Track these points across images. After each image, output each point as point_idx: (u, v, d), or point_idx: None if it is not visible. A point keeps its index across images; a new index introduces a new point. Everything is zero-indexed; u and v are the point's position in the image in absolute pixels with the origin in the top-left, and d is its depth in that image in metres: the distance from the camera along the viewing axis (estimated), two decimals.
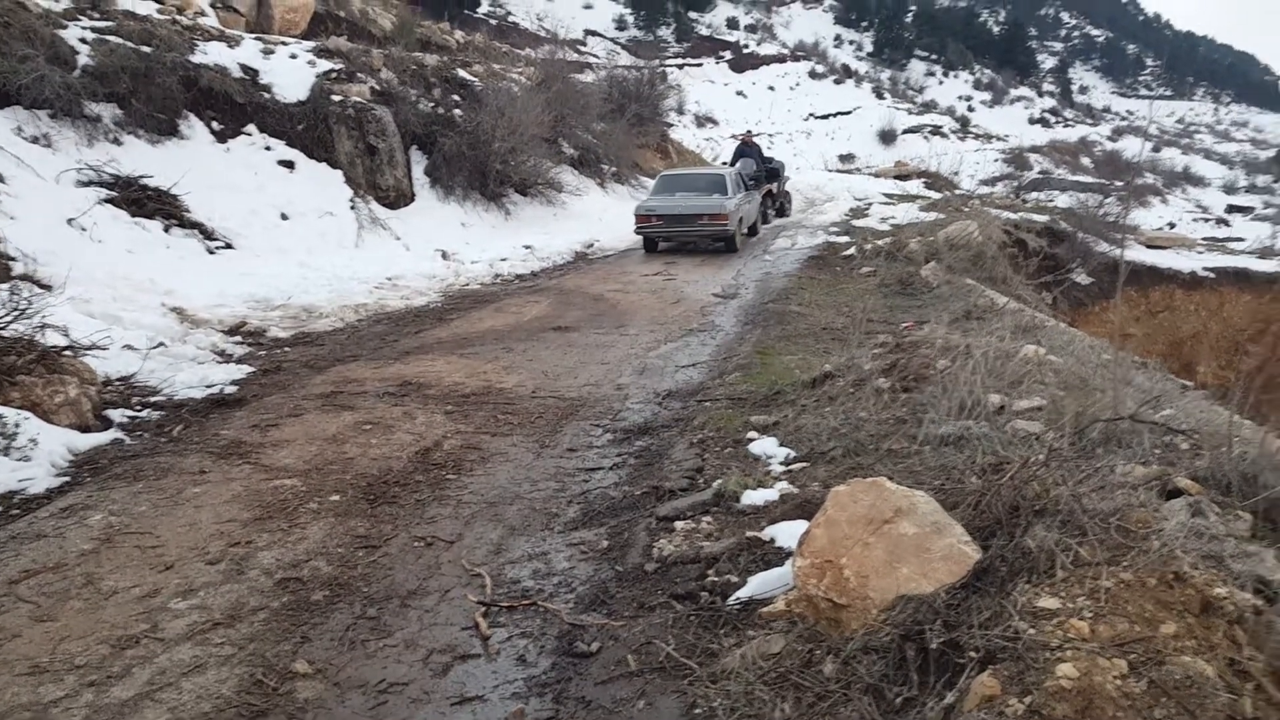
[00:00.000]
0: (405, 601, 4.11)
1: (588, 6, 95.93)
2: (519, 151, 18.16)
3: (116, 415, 6.59)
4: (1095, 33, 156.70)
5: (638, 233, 17.10)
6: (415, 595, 4.17)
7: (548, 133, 20.34)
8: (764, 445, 5.70)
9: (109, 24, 13.83)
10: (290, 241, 12.77)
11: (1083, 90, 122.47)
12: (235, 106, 14.30)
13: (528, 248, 15.70)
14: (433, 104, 17.85)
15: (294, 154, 14.42)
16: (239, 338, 9.18)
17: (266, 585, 4.28)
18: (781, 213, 23.88)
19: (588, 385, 7.62)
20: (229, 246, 12.00)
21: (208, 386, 7.47)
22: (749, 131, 25.84)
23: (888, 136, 78.93)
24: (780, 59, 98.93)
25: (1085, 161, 71.21)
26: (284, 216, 13.24)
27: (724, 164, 23.58)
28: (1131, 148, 76.76)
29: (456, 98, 18.62)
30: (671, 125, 38.19)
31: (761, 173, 22.38)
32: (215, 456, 5.91)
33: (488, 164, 17.46)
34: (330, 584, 4.28)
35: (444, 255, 14.25)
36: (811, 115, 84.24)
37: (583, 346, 9.16)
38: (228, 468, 5.72)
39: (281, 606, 4.10)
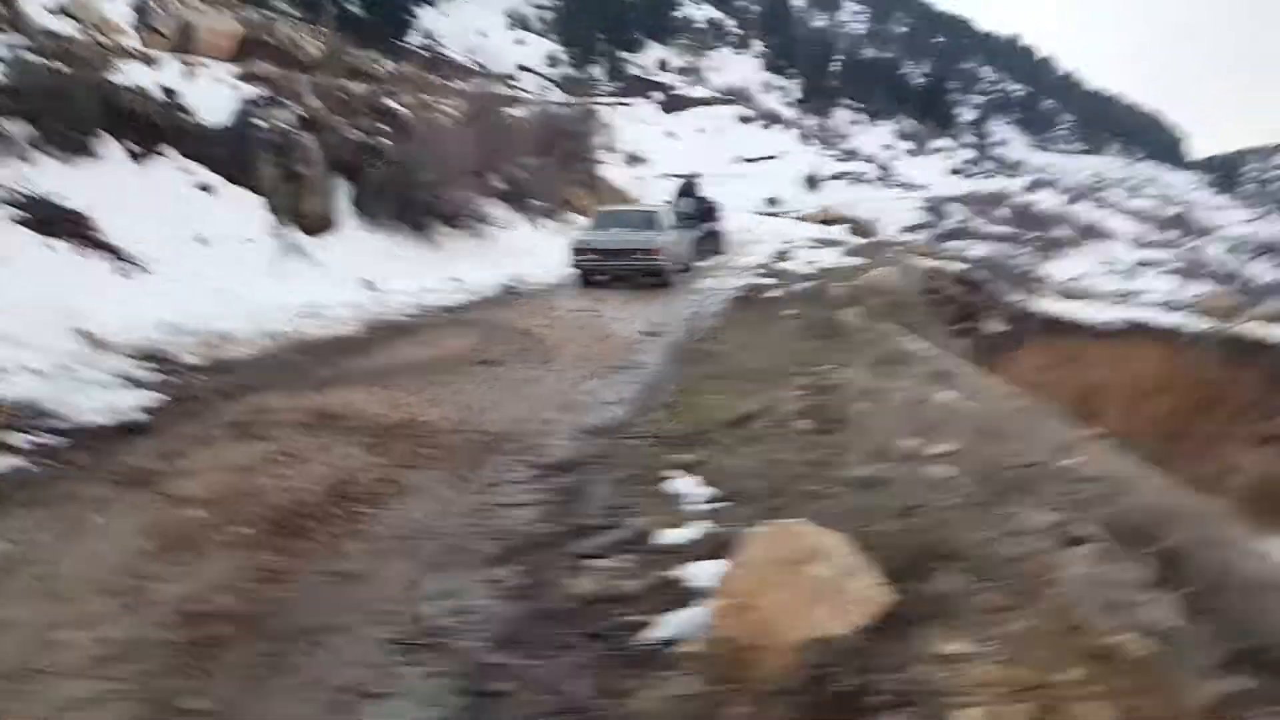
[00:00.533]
0: (312, 638, 4.02)
1: (520, 42, 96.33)
2: (447, 183, 18.07)
3: (17, 441, 6.36)
4: (1014, 88, 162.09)
5: (573, 266, 17.45)
6: (323, 632, 4.08)
7: (477, 166, 20.28)
8: (686, 484, 5.70)
9: (26, 42, 13.50)
10: (207, 266, 12.50)
11: (1001, 143, 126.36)
12: (154, 128, 14.01)
13: (454, 280, 15.58)
14: (360, 133, 17.72)
15: (214, 178, 14.17)
16: (150, 363, 8.94)
17: (168, 619, 4.16)
18: (717, 251, 24.38)
19: (512, 420, 7.56)
20: (143, 270, 11.71)
21: (115, 413, 7.26)
22: (693, 173, 26.43)
23: (813, 181, 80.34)
24: (710, 102, 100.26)
25: (1001, 212, 73.17)
26: (201, 241, 12.98)
27: (665, 201, 24.30)
28: (1046, 200, 79.16)
29: (385, 127, 18.49)
30: (602, 163, 38.38)
31: (699, 212, 23.02)
32: (120, 485, 5.74)
33: (415, 195, 17.34)
34: (235, 619, 4.17)
35: (368, 285, 14.08)
36: (740, 158, 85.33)
37: (508, 381, 9.09)
38: (133, 497, 5.55)
39: (183, 641, 3.98)
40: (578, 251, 17.35)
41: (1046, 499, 4.25)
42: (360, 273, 14.52)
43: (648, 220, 18.52)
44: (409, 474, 6.11)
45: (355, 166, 16.89)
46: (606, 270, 17.51)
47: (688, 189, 24.11)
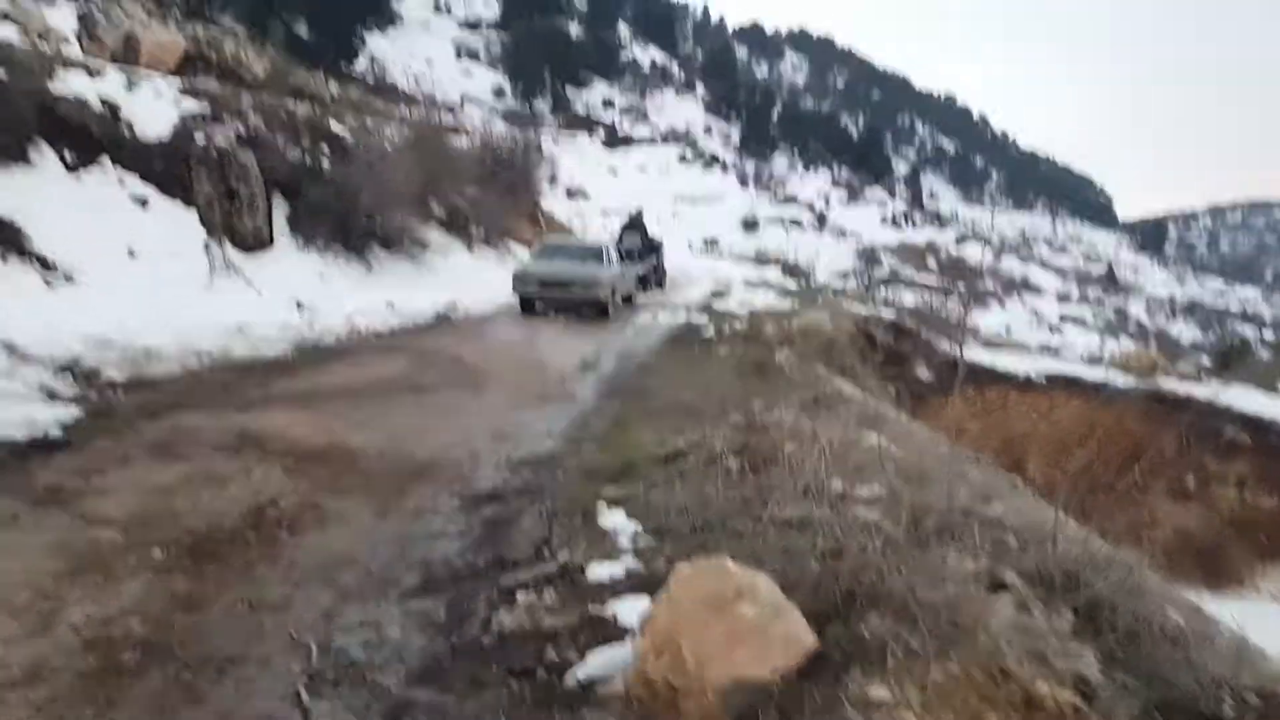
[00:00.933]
0: (223, 667, 3.87)
1: (467, 73, 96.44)
2: (386, 207, 17.97)
3: None
4: (946, 143, 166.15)
5: (515, 294, 17.80)
6: (234, 662, 3.92)
7: (417, 191, 20.17)
8: (614, 519, 5.65)
9: None
10: (136, 280, 12.21)
11: (932, 195, 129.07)
12: (92, 139, 13.70)
13: (388, 304, 15.43)
14: (301, 153, 17.52)
15: (149, 191, 13.88)
16: (71, 377, 8.67)
17: (74, 644, 3.97)
18: (659, 285, 24.79)
19: (439, 448, 7.45)
20: (70, 281, 11.40)
21: (32, 427, 7.00)
22: (638, 210, 26.85)
23: (750, 224, 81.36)
24: (652, 141, 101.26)
25: (931, 263, 74.66)
26: (132, 254, 12.69)
27: (613, 235, 24.78)
28: (974, 253, 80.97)
29: (326, 149, 18.33)
30: (544, 195, 38.41)
31: (643, 248, 23.42)
32: (32, 502, 5.51)
33: (353, 217, 17.20)
34: (143, 645, 4.00)
35: (299, 305, 13.87)
36: (679, 198, 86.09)
37: (438, 408, 8.99)
38: (44, 515, 5.33)
39: (88, 667, 3.80)
40: (520, 280, 17.65)
41: (970, 545, 4.26)
42: (293, 293, 14.31)
43: (592, 254, 18.98)
44: (331, 500, 5.97)
45: (294, 186, 16.70)
46: (548, 300, 17.84)
47: (632, 224, 24.53)
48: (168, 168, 14.38)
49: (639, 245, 23.01)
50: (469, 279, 19.91)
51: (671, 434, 8.05)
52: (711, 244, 63.99)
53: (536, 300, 17.99)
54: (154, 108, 15.10)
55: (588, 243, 21.83)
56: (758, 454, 6.16)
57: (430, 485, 6.48)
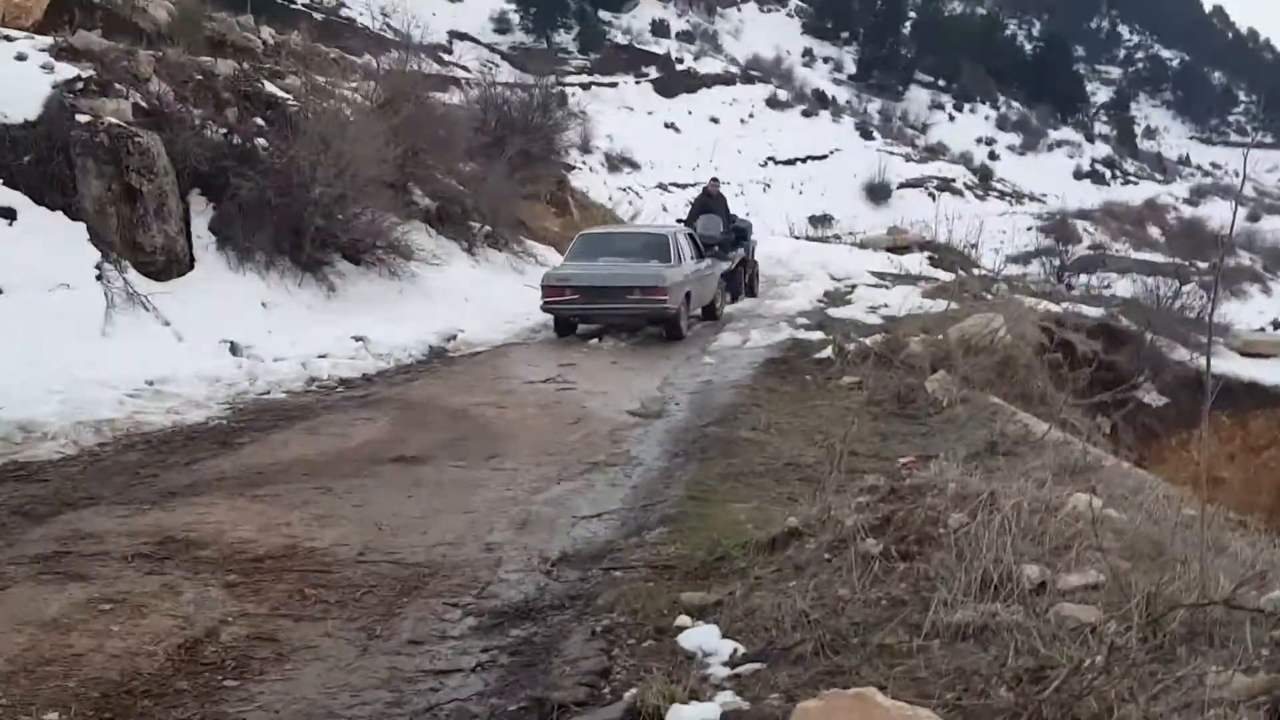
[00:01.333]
0: None
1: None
2: (350, 201, 18.19)
3: None
4: (1166, 54, 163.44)
5: (547, 309, 18.02)
6: None
7: (393, 175, 20.38)
8: (700, 637, 5.62)
9: None
10: (4, 325, 12.48)
11: (1149, 134, 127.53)
12: None
13: (359, 340, 15.59)
14: (226, 130, 17.81)
15: (15, 197, 14.17)
16: None
17: None
18: (751, 291, 24.52)
19: (442, 545, 7.51)
20: None
21: None
22: (714, 180, 26.48)
23: (878, 192, 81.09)
24: (727, 80, 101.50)
25: (1154, 232, 73.70)
26: None
27: (678, 221, 24.63)
28: (1219, 214, 79.60)
29: (261, 122, 18.62)
30: (574, 168, 38.64)
31: (729, 235, 23.15)
32: None
33: (304, 218, 17.45)
34: None
35: (234, 349, 14.08)
36: (771, 160, 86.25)
37: (436, 487, 9.05)
38: None
39: None
40: (552, 291, 17.77)
41: (1238, 654, 4.18)
42: (223, 331, 14.52)
43: (653, 246, 18.95)
44: (293, 628, 6.03)
45: (218, 179, 16.95)
46: (593, 316, 18.13)
47: (707, 201, 24.24)
48: (38, 162, 14.65)
49: (719, 232, 22.79)
50: (473, 296, 20.06)
51: (778, 507, 8.01)
52: (823, 223, 63.85)
53: (575, 317, 18.26)
54: (16, 78, 15.42)
55: (646, 231, 22.07)
56: (909, 532, 6.11)
57: (432, 599, 6.52)
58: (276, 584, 6.67)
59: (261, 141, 18.00)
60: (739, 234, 24.11)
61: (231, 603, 6.35)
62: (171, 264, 15.71)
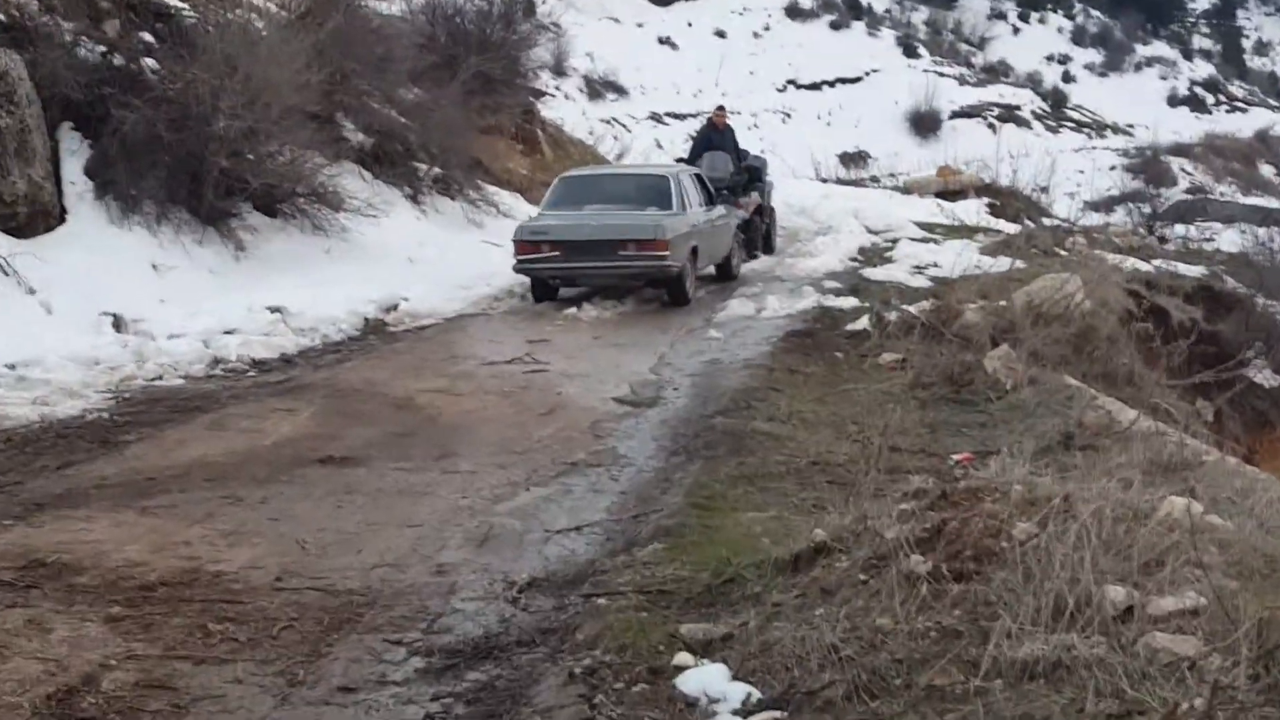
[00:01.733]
0: None
1: None
2: (263, 137, 18.16)
3: None
4: None
5: (521, 270, 18.21)
6: None
7: (318, 104, 20.30)
8: (704, 679, 5.62)
9: None
10: None
11: (1262, 49, 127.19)
12: None
13: (276, 311, 15.53)
14: (105, 48, 17.72)
15: None
16: None
17: None
18: (768, 246, 24.44)
19: (381, 567, 7.50)
20: None
21: None
22: (720, 109, 26.38)
23: (925, 123, 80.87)
24: None
25: (1267, 172, 73.68)
26: None
27: (679, 160, 24.64)
28: None
29: (150, 37, 18.51)
30: (544, 95, 38.49)
31: (740, 176, 23.08)
32: None
33: (205, 158, 17.41)
34: None
35: (118, 324, 14.02)
36: (792, 84, 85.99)
37: (374, 495, 9.04)
38: None
39: None
40: (527, 247, 17.90)
41: None
42: (106, 301, 14.46)
43: (651, 190, 19.10)
44: (193, 672, 6.01)
45: (97, 110, 16.87)
46: (578, 277, 18.35)
47: (713, 137, 24.12)
48: None
49: (728, 172, 22.64)
50: (419, 256, 20.03)
51: (801, 516, 8.00)
52: (857, 162, 63.70)
53: (556, 279, 18.42)
54: None
55: (641, 171, 22.15)
56: (964, 546, 6.09)
57: (369, 635, 6.50)
58: (172, 618, 6.63)
59: (150, 62, 17.90)
60: (752, 174, 23.97)
61: (115, 642, 6.31)
62: (37, 217, 15.61)
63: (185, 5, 19.66)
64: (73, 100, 16.69)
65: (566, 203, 19.05)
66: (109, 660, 6.08)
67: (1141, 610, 5.33)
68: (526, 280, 18.80)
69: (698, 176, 20.48)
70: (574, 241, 17.73)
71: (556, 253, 17.77)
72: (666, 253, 17.48)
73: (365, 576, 7.33)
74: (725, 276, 20.87)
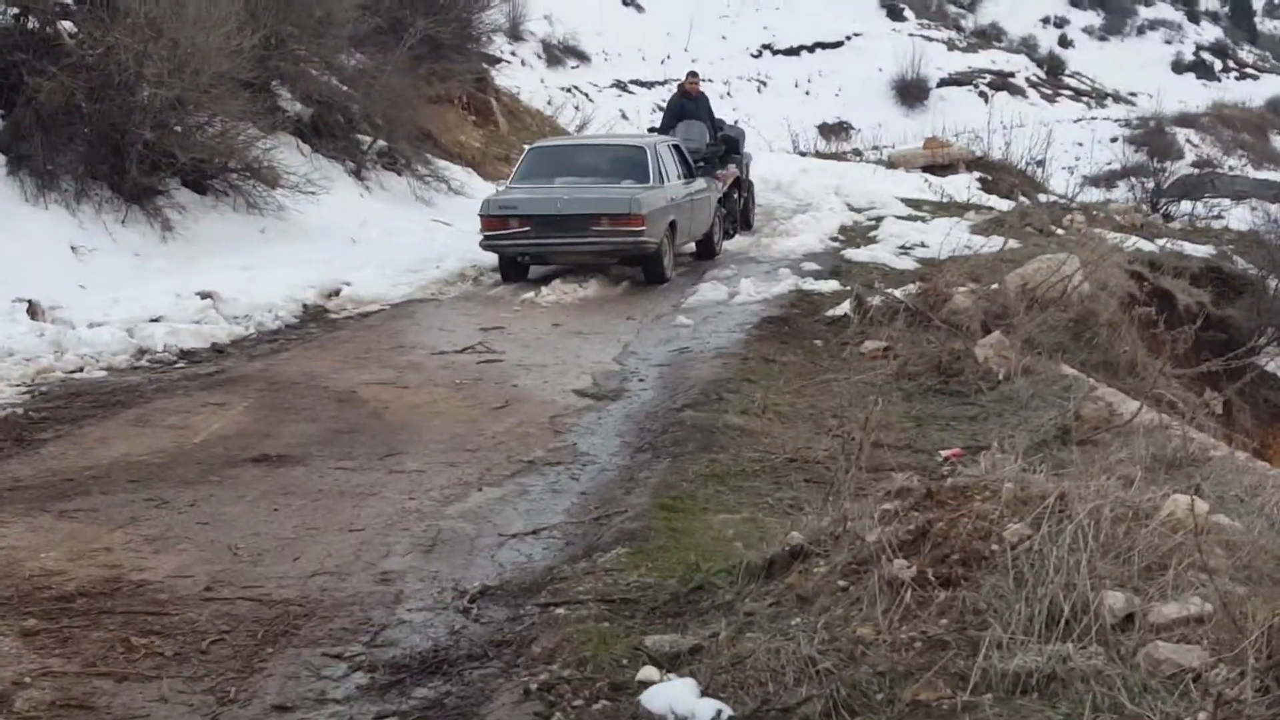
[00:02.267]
0: None
1: None
2: (191, 107, 18.13)
3: None
4: None
5: (488, 246, 18.36)
6: None
7: (251, 71, 20.22)
8: (671, 695, 5.62)
9: None
10: None
11: (1273, 10, 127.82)
12: None
13: (206, 297, 15.48)
14: (17, 11, 17.65)
15: None
16: None
17: None
18: (746, 222, 24.59)
19: (321, 575, 7.49)
20: None
21: None
22: (692, 75, 26.45)
23: (912, 91, 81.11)
24: None
25: None
26: None
27: (651, 130, 24.86)
28: None
29: None
30: (499, 62, 38.45)
31: (717, 147, 23.21)
32: None
33: (128, 130, 17.37)
34: None
35: (33, 311, 13.97)
36: (767, 49, 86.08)
37: (313, 496, 9.03)
38: None
39: None
40: (494, 222, 18.04)
41: None
42: (19, 286, 14.42)
43: (626, 162, 19.39)
44: (114, 690, 6.00)
45: (8, 78, 16.85)
46: (549, 254, 18.62)
47: (687, 106, 24.19)
48: None
49: (704, 143, 22.74)
50: (363, 236, 20.05)
51: (776, 518, 8.01)
52: (838, 133, 63.81)
53: (526, 256, 18.63)
54: None
55: (616, 142, 22.42)
56: (951, 549, 6.10)
57: (307, 649, 6.49)
58: (92, 631, 6.62)
59: (67, 25, 17.85)
60: (730, 145, 24.06)
61: (30, 657, 6.30)
62: None
63: None
64: None
65: (537, 175, 19.20)
66: (23, 677, 6.06)
67: (1142, 618, 5.35)
68: (479, 262, 19.02)
69: (676, 148, 20.63)
70: (545, 216, 17.88)
71: (526, 228, 17.92)
72: (643, 228, 17.66)
73: (303, 585, 7.32)
74: (706, 255, 21.15)
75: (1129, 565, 5.75)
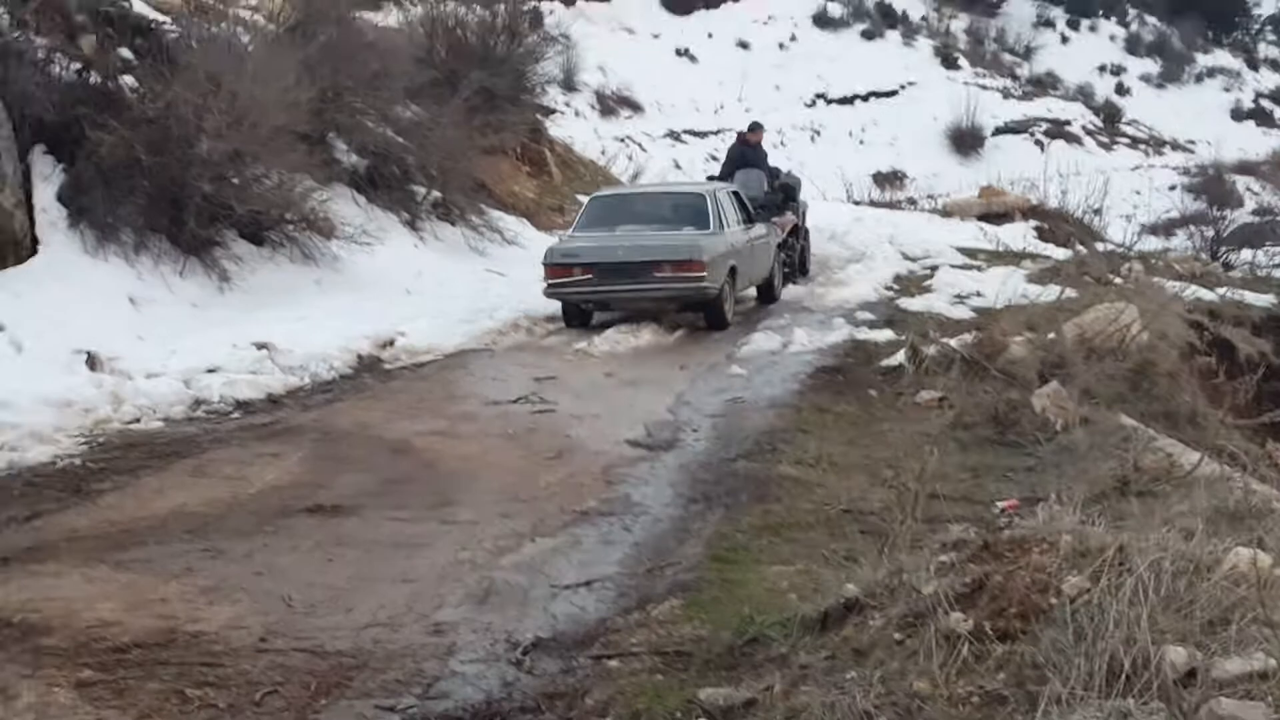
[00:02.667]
0: None
1: None
2: (249, 159, 18.18)
3: None
4: None
5: (552, 294, 18.56)
6: None
7: (308, 124, 20.32)
8: None
9: None
10: None
11: None
12: None
13: (262, 347, 15.50)
14: (81, 65, 17.76)
15: None
16: None
17: None
18: (803, 268, 24.59)
19: (374, 627, 7.48)
20: None
21: None
22: (755, 124, 26.54)
23: (967, 140, 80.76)
24: None
25: None
26: None
27: (710, 179, 25.04)
28: None
29: (128, 54, 18.55)
30: (553, 112, 38.55)
31: (775, 194, 23.30)
32: None
33: (186, 183, 17.41)
34: None
35: (92, 362, 14.02)
36: (821, 98, 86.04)
37: (366, 547, 9.03)
38: None
39: None
40: (558, 270, 18.24)
41: None
42: (80, 338, 14.45)
43: (687, 209, 19.55)
44: None
45: (71, 132, 16.89)
46: (611, 300, 18.76)
47: (746, 154, 24.27)
48: None
49: (762, 191, 22.77)
50: (417, 287, 20.02)
51: (831, 570, 7.97)
52: (893, 182, 63.66)
53: (589, 303, 18.81)
54: None
55: (677, 190, 22.66)
56: (1009, 602, 6.06)
57: (360, 701, 6.49)
58: (147, 682, 6.61)
59: (129, 80, 17.93)
60: (787, 193, 24.09)
61: (85, 709, 6.31)
62: (6, 247, 15.64)
63: (166, 19, 19.72)
64: (46, 122, 16.73)
65: (598, 223, 19.42)
66: None
67: (1205, 673, 5.29)
68: (532, 312, 19.11)
69: (735, 194, 20.77)
70: (607, 264, 18.03)
71: (589, 276, 18.07)
72: (704, 274, 17.81)
73: (356, 637, 7.31)
74: (767, 299, 21.39)
75: (1190, 619, 5.69)
